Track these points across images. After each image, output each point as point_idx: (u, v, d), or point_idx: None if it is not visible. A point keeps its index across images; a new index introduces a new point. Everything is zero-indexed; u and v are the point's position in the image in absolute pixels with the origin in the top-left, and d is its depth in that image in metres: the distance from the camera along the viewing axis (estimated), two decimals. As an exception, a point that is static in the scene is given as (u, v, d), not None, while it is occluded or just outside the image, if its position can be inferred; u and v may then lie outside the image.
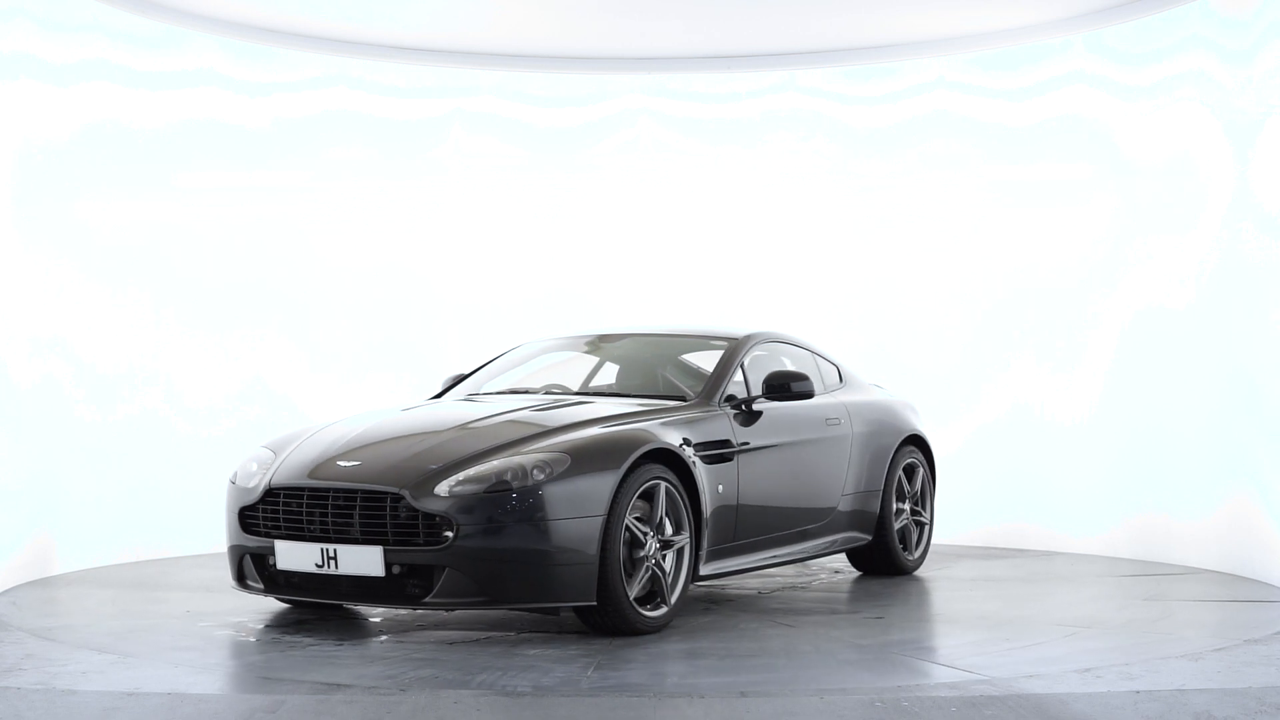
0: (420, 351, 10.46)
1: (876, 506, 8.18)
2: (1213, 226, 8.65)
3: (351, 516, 6.12)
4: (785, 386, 7.38)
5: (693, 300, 10.77)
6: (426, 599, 6.00)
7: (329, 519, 6.17)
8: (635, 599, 6.27)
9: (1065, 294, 9.86)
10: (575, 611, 6.28)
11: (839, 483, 7.88)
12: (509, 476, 6.02)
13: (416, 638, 6.32)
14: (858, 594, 7.86)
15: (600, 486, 6.10)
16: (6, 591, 7.75)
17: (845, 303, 10.71)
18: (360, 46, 10.26)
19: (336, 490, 6.18)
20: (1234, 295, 8.43)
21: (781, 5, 9.55)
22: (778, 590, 7.92)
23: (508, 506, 5.96)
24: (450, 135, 10.71)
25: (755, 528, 7.19)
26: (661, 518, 6.42)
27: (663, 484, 6.41)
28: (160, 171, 9.50)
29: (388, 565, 6.03)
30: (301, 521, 6.26)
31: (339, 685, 5.32)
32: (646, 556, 6.31)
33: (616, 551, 6.12)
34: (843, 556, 8.74)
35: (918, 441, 8.64)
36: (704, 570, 6.76)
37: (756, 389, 7.51)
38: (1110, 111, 9.55)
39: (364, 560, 6.06)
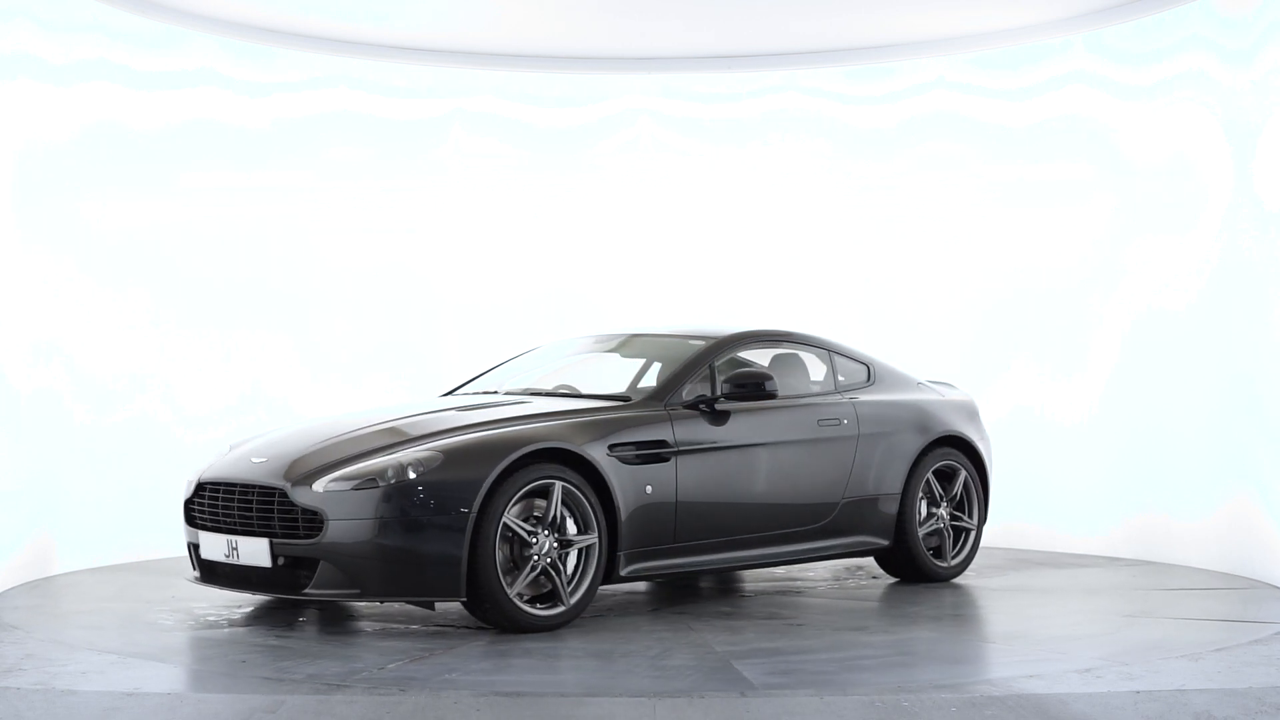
0: (420, 352, 10.46)
1: (894, 510, 8.00)
2: (1213, 226, 8.66)
3: (251, 510, 6.53)
4: (747, 387, 7.33)
5: (693, 300, 10.77)
6: (306, 589, 6.32)
7: (234, 512, 6.59)
8: (532, 597, 6.45)
9: (1065, 294, 9.86)
10: (464, 607, 6.41)
11: (838, 484, 7.77)
12: (383, 474, 6.28)
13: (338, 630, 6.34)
14: (846, 600, 7.77)
15: (470, 484, 6.25)
16: (6, 591, 7.75)
17: (845, 303, 10.71)
18: (360, 46, 10.26)
19: (243, 485, 6.61)
20: (1234, 295, 8.44)
21: (781, 5, 9.55)
22: (768, 594, 7.91)
23: (375, 502, 6.22)
24: (450, 135, 10.71)
25: (708, 529, 7.17)
26: (558, 517, 6.50)
27: (558, 483, 6.49)
28: (160, 172, 9.50)
29: (274, 556, 6.40)
30: (218, 514, 6.70)
31: (339, 685, 5.32)
32: (537, 555, 6.41)
33: (490, 549, 6.25)
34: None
35: (958, 443, 8.35)
36: (625, 571, 6.80)
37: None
38: (1110, 111, 9.56)
39: (256, 551, 6.46)
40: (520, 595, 6.40)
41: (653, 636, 6.43)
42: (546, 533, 6.45)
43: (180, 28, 9.47)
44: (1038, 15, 9.68)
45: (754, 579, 8.37)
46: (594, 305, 10.66)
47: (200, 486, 6.85)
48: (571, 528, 6.59)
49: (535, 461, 6.46)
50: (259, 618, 6.90)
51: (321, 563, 6.27)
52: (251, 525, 6.52)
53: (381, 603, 6.75)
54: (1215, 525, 8.61)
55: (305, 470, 6.46)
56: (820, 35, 10.22)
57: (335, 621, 6.81)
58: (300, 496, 6.35)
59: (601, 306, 10.61)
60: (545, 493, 6.49)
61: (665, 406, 7.17)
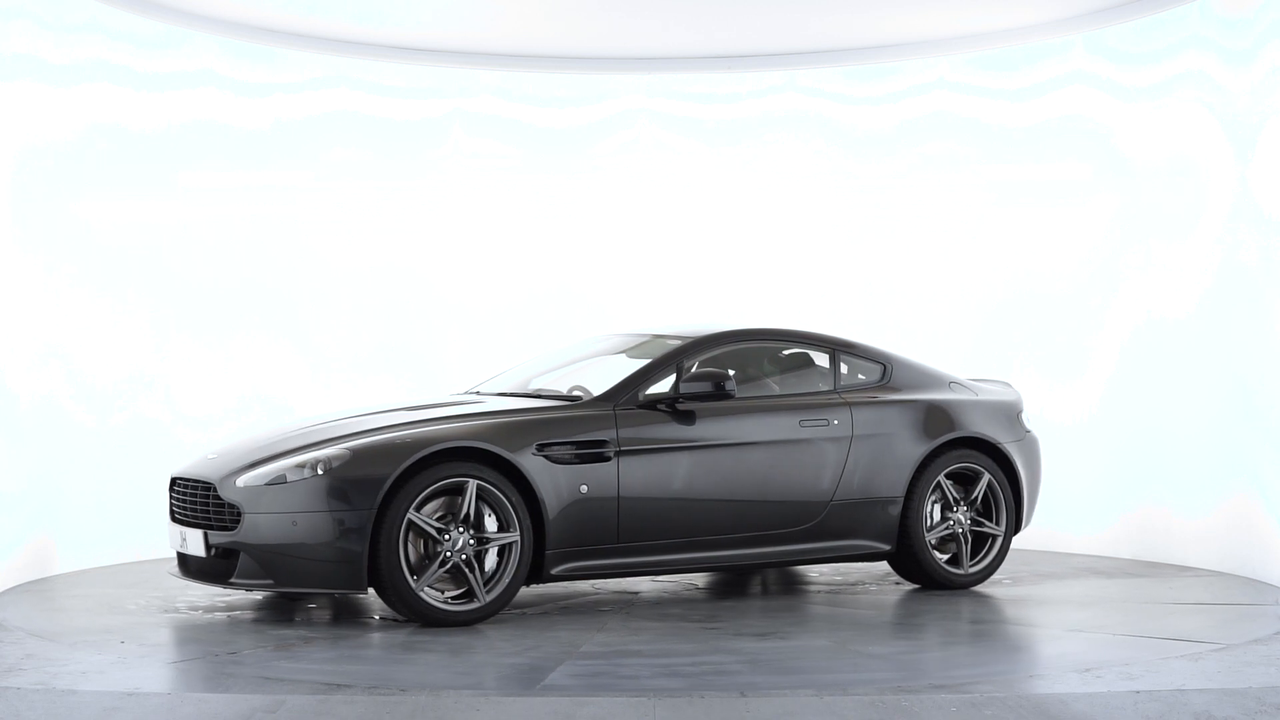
0: (420, 353, 10.45)
1: (896, 513, 7.75)
2: (1213, 227, 8.66)
3: (196, 504, 6.95)
4: (703, 387, 7.32)
5: (693, 300, 10.76)
6: (231, 578, 6.71)
7: (187, 506, 7.03)
8: (459, 593, 6.68)
9: (1066, 295, 9.86)
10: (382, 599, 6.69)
11: (825, 486, 7.60)
12: (298, 471, 6.63)
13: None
14: (821, 607, 7.66)
15: (372, 482, 6.54)
16: (6, 591, 7.76)
17: (845, 303, 10.70)
18: (360, 46, 10.26)
19: (192, 480, 7.04)
20: (1234, 296, 8.44)
21: (781, 5, 9.55)
22: (764, 596, 7.91)
23: (283, 497, 6.60)
24: (450, 135, 10.71)
25: (660, 529, 7.20)
26: (470, 514, 6.68)
27: (472, 482, 6.67)
28: (160, 173, 9.49)
29: (207, 547, 6.83)
30: (178, 508, 7.14)
31: (339, 685, 5.32)
32: (450, 552, 6.63)
33: (394, 544, 6.50)
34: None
35: (981, 445, 8.03)
36: (555, 570, 6.93)
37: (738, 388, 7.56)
38: (1110, 112, 9.55)
39: (195, 542, 6.89)
40: (441, 590, 6.67)
41: (544, 634, 6.51)
42: (461, 530, 6.63)
43: (180, 28, 9.47)
44: (1038, 15, 9.67)
45: (813, 580, 8.35)
46: (594, 305, 10.64)
47: (172, 482, 7.23)
48: (493, 526, 6.74)
49: (451, 460, 6.68)
50: (258, 616, 6.91)
51: (241, 554, 6.66)
52: (197, 518, 6.93)
53: (294, 592, 7.00)
54: (1215, 525, 8.61)
55: (236, 466, 6.85)
56: (820, 35, 10.22)
57: (353, 624, 6.81)
58: (225, 491, 6.75)
59: (602, 307, 10.60)
60: (464, 491, 6.69)
61: (615, 407, 7.23)
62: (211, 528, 6.81)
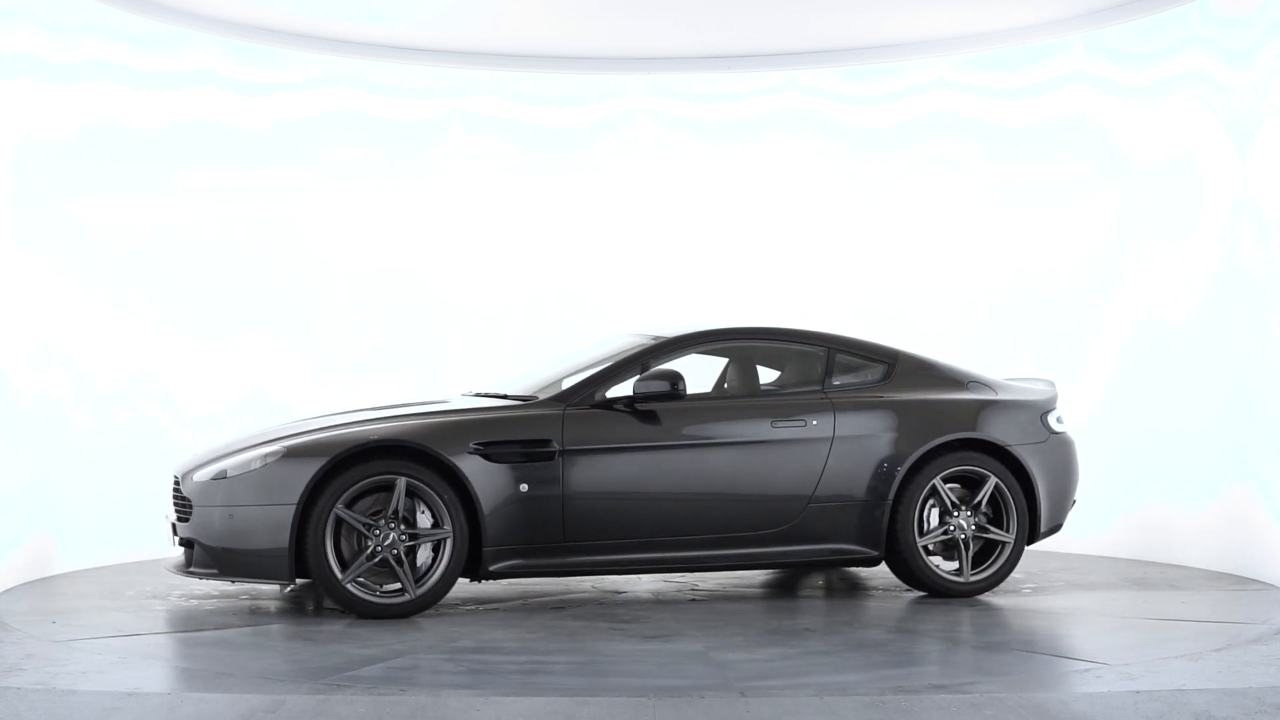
0: (420, 353, 10.45)
1: (883, 516, 7.47)
2: (1213, 227, 8.66)
3: (175, 498, 7.33)
4: (654, 387, 7.30)
5: (693, 300, 10.76)
6: (189, 568, 7.08)
7: (174, 500, 7.36)
8: (400, 587, 6.86)
9: (1066, 295, 9.86)
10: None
11: (801, 488, 7.40)
12: (238, 467, 6.96)
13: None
14: (782, 611, 7.51)
15: (296, 478, 6.82)
16: (6, 591, 7.76)
17: (844, 303, 10.70)
18: (360, 46, 10.26)
19: (174, 476, 7.38)
20: (1235, 297, 8.44)
21: (781, 5, 9.55)
22: (754, 598, 7.90)
23: (221, 492, 6.95)
24: (450, 135, 10.71)
25: (613, 529, 7.19)
26: (400, 511, 6.87)
27: (401, 479, 6.86)
28: (160, 173, 9.49)
29: (176, 538, 7.24)
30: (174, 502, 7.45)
31: (339, 685, 5.33)
32: (379, 547, 6.84)
33: (319, 538, 6.76)
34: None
35: (988, 448, 7.66)
36: (493, 567, 7.02)
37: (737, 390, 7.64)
38: (1110, 111, 9.56)
39: (170, 534, 7.29)
40: (379, 584, 6.88)
41: (439, 630, 6.58)
42: (392, 525, 6.82)
43: (180, 28, 9.47)
44: (1038, 15, 9.68)
45: (868, 585, 8.29)
46: (595, 305, 10.64)
47: (174, 478, 7.48)
48: (426, 522, 6.91)
49: (386, 457, 6.90)
50: (259, 616, 6.91)
51: (195, 545, 7.03)
52: (175, 511, 7.30)
53: (233, 582, 7.25)
54: (1215, 525, 8.61)
55: (198, 463, 7.25)
56: (820, 35, 10.22)
57: (353, 623, 6.83)
58: (185, 486, 7.17)
59: (602, 307, 10.60)
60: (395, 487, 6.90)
61: (566, 407, 7.27)
62: (180, 520, 7.19)
